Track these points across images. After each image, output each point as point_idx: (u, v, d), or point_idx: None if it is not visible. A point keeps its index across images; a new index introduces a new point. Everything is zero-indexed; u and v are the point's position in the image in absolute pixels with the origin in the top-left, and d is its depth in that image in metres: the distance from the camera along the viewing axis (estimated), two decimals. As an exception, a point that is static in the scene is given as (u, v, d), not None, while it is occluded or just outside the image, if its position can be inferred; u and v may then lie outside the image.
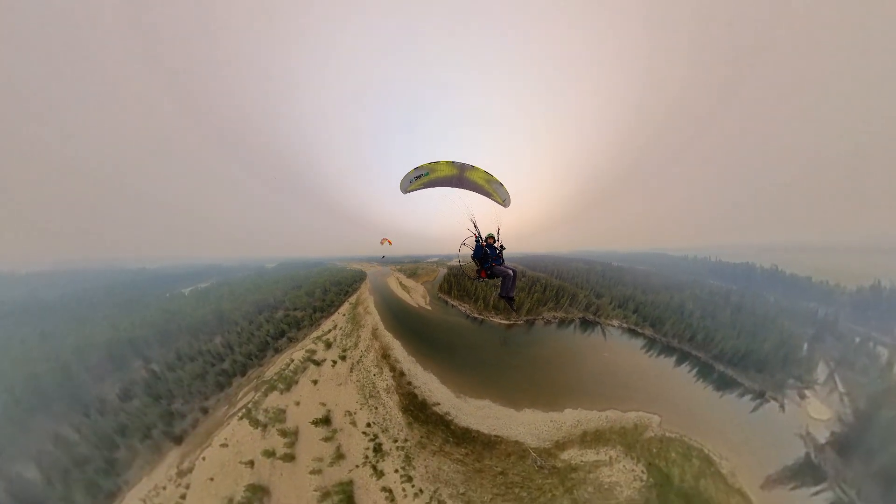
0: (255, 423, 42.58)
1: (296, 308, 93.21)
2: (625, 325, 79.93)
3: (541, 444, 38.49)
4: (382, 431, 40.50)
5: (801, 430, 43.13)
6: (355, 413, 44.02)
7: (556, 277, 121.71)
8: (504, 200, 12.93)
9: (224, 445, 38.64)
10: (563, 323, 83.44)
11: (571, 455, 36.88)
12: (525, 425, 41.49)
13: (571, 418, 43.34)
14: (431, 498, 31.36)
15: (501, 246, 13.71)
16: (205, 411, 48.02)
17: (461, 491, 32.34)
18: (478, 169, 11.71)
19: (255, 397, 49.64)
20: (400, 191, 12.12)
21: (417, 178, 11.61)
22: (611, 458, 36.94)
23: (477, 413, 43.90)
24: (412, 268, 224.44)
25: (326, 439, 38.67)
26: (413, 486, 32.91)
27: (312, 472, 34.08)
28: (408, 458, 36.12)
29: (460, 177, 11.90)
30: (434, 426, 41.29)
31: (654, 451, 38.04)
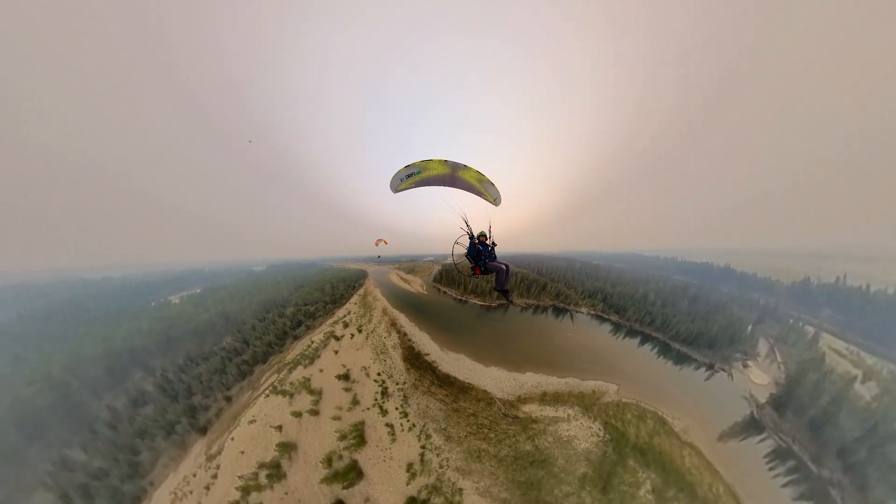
0: (283, 392, 42.96)
1: (306, 303, 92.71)
2: (592, 312, 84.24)
3: (504, 396, 42.41)
4: (388, 377, 47.03)
5: (746, 393, 45.84)
6: (369, 367, 49.99)
7: (535, 272, 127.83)
8: (495, 199, 12.46)
9: (252, 422, 38.39)
10: (537, 309, 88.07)
11: (532, 409, 39.49)
12: (491, 378, 46.83)
13: (532, 380, 46.82)
14: (421, 432, 35.37)
15: (493, 243, 13.28)
16: (228, 399, 46.61)
17: (443, 427, 36.30)
18: (470, 168, 11.06)
19: (281, 375, 49.23)
20: (390, 190, 11.12)
21: (409, 176, 10.75)
22: (569, 415, 38.55)
23: (455, 363, 52.26)
24: (410, 266, 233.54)
25: (346, 389, 43.06)
26: (408, 420, 37.57)
27: (334, 418, 37.26)
28: (405, 398, 41.86)
29: (452, 176, 11.22)
30: (424, 370, 49.14)
31: (611, 412, 39.34)
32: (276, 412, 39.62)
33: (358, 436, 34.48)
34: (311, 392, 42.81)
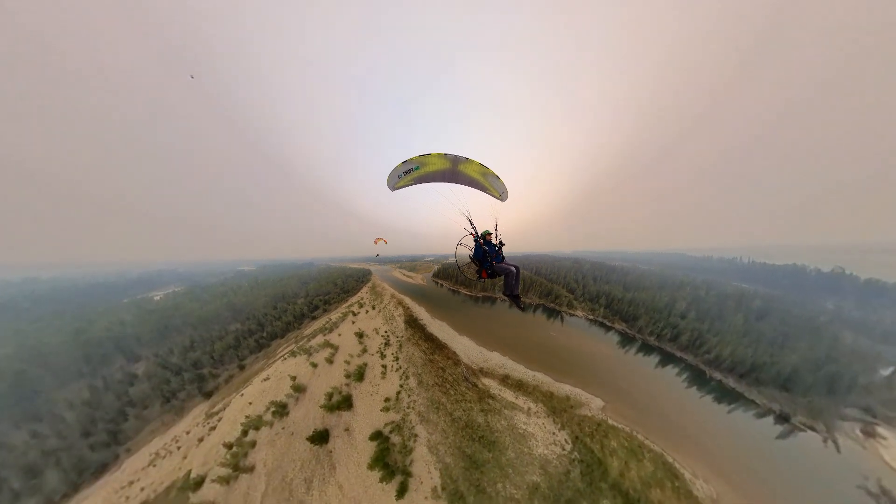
0: (304, 351, 38.89)
1: (317, 294, 77.53)
2: (591, 317, 56.70)
3: (468, 363, 37.11)
4: (392, 333, 47.94)
5: (869, 481, 19.54)
6: (379, 328, 51.39)
7: (532, 272, 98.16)
8: (501, 194, 8.75)
9: (266, 380, 32.19)
10: (528, 307, 67.66)
11: (490, 384, 31.25)
12: (461, 345, 43.11)
13: (497, 359, 37.56)
14: (404, 373, 33.62)
15: (500, 242, 9.06)
16: (242, 367, 39.09)
17: (419, 372, 33.71)
18: (472, 161, 7.92)
19: (300, 343, 44.19)
20: (388, 188, 8.13)
21: (407, 172, 7.73)
22: (530, 409, 26.26)
23: (438, 327, 52.52)
24: (411, 265, 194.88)
25: (359, 343, 44.56)
26: (398, 363, 36.16)
27: (345, 361, 37.62)
28: (400, 346, 41.56)
29: (453, 170, 8.09)
30: (416, 329, 50.44)
31: (587, 429, 23.55)
32: (294, 368, 34.12)
33: (359, 374, 32.99)
34: (331, 346, 40.32)
